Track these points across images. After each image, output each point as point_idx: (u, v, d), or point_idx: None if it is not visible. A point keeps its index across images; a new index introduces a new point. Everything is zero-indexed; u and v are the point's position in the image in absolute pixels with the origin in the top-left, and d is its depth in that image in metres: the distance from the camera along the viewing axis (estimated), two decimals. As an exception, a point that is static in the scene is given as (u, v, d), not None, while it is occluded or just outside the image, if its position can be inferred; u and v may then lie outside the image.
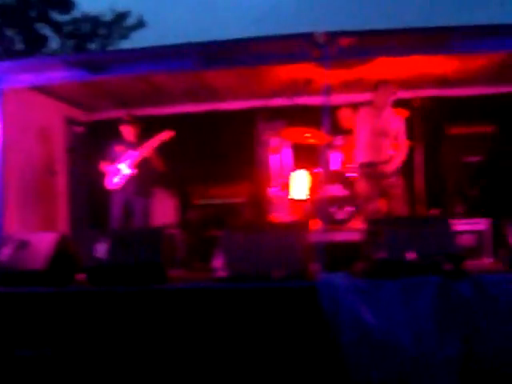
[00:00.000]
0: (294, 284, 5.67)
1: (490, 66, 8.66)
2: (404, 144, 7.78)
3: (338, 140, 8.63)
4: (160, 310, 5.69)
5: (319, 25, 7.21)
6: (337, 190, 8.24)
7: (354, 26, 7.14)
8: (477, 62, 8.42)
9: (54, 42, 25.42)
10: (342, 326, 5.26)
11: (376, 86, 7.76)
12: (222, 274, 5.94)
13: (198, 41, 7.16)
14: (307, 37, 6.59)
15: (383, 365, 5.15)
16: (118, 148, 8.54)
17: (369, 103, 7.91)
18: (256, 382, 5.38)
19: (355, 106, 8.60)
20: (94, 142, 9.93)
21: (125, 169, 8.35)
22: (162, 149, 8.44)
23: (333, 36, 6.54)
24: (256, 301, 5.57)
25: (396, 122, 7.81)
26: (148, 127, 8.66)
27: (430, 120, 8.73)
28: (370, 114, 7.76)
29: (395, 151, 7.80)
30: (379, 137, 7.71)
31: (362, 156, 7.83)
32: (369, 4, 63.46)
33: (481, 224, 7.97)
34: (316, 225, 8.07)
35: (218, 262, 6.00)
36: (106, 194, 8.62)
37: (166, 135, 8.24)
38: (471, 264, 6.38)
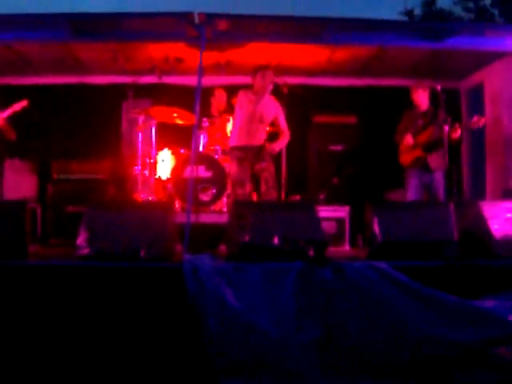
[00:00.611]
0: (158, 264, 5.62)
1: (356, 59, 8.92)
2: (286, 130, 7.85)
3: (204, 122, 8.61)
4: (20, 287, 5.50)
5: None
6: (201, 172, 8.22)
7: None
8: (345, 54, 8.64)
9: None
10: (207, 308, 5.25)
11: (255, 71, 7.72)
12: (85, 251, 5.81)
13: (69, 11, 6.98)
14: (184, 16, 6.56)
15: (245, 348, 5.20)
16: None
17: (247, 87, 7.91)
18: (118, 367, 5.30)
19: (230, 89, 8.65)
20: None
21: None
22: (23, 120, 8.11)
23: (210, 17, 6.55)
24: (120, 280, 5.47)
25: (274, 108, 7.85)
26: (10, 97, 8.31)
27: (297, 107, 8.85)
28: (248, 99, 7.75)
29: (279, 137, 7.86)
30: (256, 122, 7.73)
31: (236, 139, 7.83)
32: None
33: (341, 211, 8.21)
34: (179, 205, 8.09)
35: (81, 240, 5.86)
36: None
37: (19, 105, 7.89)
38: (332, 250, 6.56)
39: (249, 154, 7.72)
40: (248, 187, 7.78)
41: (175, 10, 6.95)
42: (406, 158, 8.05)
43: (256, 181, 7.87)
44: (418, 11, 26.30)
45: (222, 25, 6.85)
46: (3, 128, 7.88)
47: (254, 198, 8.04)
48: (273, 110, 7.80)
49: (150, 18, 7.03)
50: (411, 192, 7.97)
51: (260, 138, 7.77)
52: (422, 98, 8.05)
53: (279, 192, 8.34)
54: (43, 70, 9.44)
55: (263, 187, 7.77)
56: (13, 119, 7.96)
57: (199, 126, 8.22)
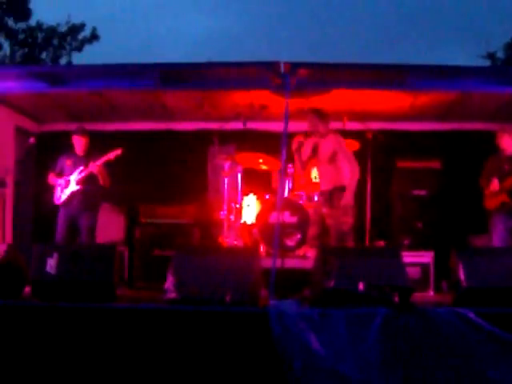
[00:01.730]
0: (244, 309, 5.70)
1: (439, 104, 8.91)
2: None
3: (290, 167, 8.72)
4: (109, 329, 5.64)
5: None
6: (286, 217, 8.30)
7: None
8: (427, 99, 8.65)
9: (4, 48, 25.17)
10: (292, 352, 5.29)
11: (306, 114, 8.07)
12: (172, 295, 5.94)
13: (158, 61, 7.23)
14: (270, 65, 6.71)
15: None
16: (67, 161, 8.48)
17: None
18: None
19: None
20: (43, 154, 9.86)
21: (72, 184, 8.28)
22: (114, 165, 8.40)
23: (294, 66, 6.67)
24: (206, 324, 5.57)
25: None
26: (100, 143, 8.62)
27: (380, 152, 8.88)
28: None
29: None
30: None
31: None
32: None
33: (425, 257, 8.14)
34: (265, 250, 8.17)
35: (169, 284, 5.99)
36: (53, 208, 8.53)
37: (113, 153, 8.19)
38: (416, 296, 6.52)
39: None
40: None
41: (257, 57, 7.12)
42: (491, 203, 7.95)
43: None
44: (500, 54, 26.03)
45: (307, 73, 6.95)
46: (99, 174, 8.20)
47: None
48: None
49: (236, 67, 7.21)
50: (497, 237, 7.85)
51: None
52: (507, 143, 7.96)
53: (361, 237, 8.43)
54: (131, 117, 9.76)
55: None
56: (106, 166, 8.29)
57: (285, 172, 8.33)
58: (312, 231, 8.02)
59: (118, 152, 8.21)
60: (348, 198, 7.84)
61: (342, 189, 7.85)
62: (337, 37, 63.05)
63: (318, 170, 8.28)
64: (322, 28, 65.94)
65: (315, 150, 8.16)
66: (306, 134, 8.21)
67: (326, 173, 8.06)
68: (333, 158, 7.92)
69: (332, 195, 7.87)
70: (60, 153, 8.70)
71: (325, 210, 7.96)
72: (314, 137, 8.16)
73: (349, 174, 7.89)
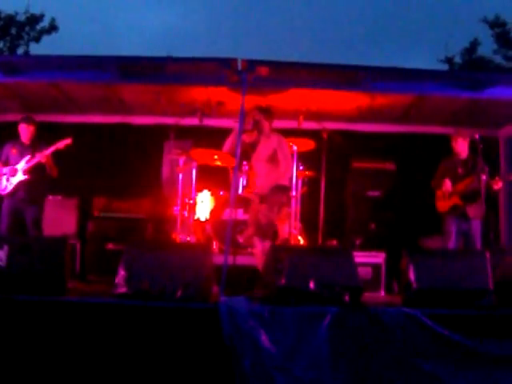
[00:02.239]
0: (195, 305, 5.69)
1: (395, 107, 8.99)
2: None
3: (244, 165, 8.71)
4: (58, 322, 5.59)
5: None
6: (239, 214, 8.29)
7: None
8: (384, 101, 8.71)
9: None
10: (242, 350, 5.31)
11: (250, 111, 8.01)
12: (123, 290, 5.90)
13: (116, 54, 7.20)
14: (228, 62, 6.71)
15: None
16: (13, 150, 8.29)
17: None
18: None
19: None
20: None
21: (19, 174, 8.13)
22: (68, 157, 8.29)
23: (252, 64, 6.68)
24: (156, 320, 5.56)
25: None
26: (54, 134, 8.49)
27: (336, 153, 8.94)
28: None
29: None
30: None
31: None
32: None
33: (377, 257, 8.21)
34: (217, 247, 8.16)
35: (120, 278, 5.95)
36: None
37: (63, 143, 8.05)
38: (367, 296, 6.58)
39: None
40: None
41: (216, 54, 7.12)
42: (443, 205, 8.05)
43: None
44: (458, 59, 26.32)
45: (264, 71, 6.97)
46: (47, 164, 8.06)
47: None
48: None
49: (194, 62, 7.20)
50: (449, 239, 7.95)
51: None
52: (462, 147, 8.06)
53: (313, 236, 8.48)
54: (87, 109, 9.65)
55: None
56: (56, 156, 8.16)
57: (239, 169, 8.31)
58: (249, 231, 7.94)
59: (68, 141, 8.07)
60: (284, 197, 7.86)
61: (279, 188, 7.83)
62: (298, 35, 63.20)
63: (255, 167, 8.21)
64: (284, 27, 66.06)
65: (253, 147, 8.13)
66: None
67: (264, 171, 8.03)
68: (273, 158, 7.90)
69: (269, 194, 7.84)
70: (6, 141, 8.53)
71: (260, 209, 7.89)
72: (255, 134, 8.13)
73: (287, 173, 7.92)
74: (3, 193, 8.18)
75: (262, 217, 7.74)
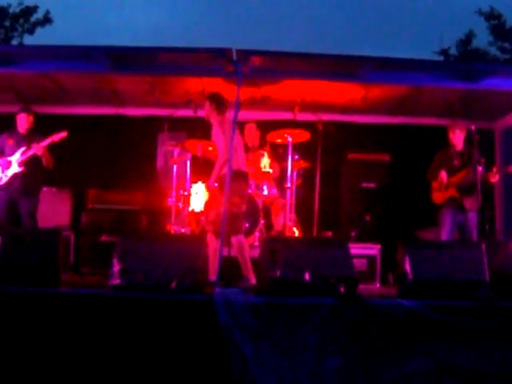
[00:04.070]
0: (189, 296, 5.66)
1: (390, 98, 8.96)
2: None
3: (239, 155, 8.68)
4: (52, 314, 5.55)
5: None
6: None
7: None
8: (379, 92, 8.69)
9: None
10: (240, 338, 5.28)
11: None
12: (117, 281, 5.87)
13: (109, 44, 7.15)
14: (222, 52, 6.67)
15: (272, 381, 5.22)
16: (9, 140, 8.24)
17: None
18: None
19: (264, 124, 8.75)
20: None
21: (14, 165, 8.10)
22: (62, 149, 8.24)
23: (247, 54, 6.63)
24: (150, 311, 5.52)
25: None
26: (48, 126, 8.44)
27: (331, 144, 8.90)
28: None
29: None
30: None
31: None
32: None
33: (372, 249, 8.21)
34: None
35: (114, 270, 5.91)
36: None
37: (58, 136, 8.01)
38: (362, 288, 6.56)
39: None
40: None
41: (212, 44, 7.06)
42: (440, 197, 8.03)
43: None
44: (453, 50, 26.32)
45: (259, 61, 6.94)
46: (43, 157, 8.02)
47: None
48: None
49: (188, 52, 7.15)
50: (445, 231, 7.93)
51: None
52: (458, 138, 8.03)
53: (309, 228, 8.45)
54: (81, 100, 9.60)
55: None
56: (50, 148, 8.11)
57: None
58: (211, 216, 7.71)
59: (64, 134, 8.03)
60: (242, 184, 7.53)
61: (237, 173, 7.55)
62: (289, 30, 63.05)
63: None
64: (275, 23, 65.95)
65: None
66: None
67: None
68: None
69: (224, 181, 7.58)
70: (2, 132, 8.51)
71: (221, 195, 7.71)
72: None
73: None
74: None
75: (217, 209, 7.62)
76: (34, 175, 8.17)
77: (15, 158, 8.05)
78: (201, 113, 8.89)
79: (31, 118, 8.27)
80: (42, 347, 5.45)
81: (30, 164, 8.10)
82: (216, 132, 7.36)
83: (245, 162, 7.61)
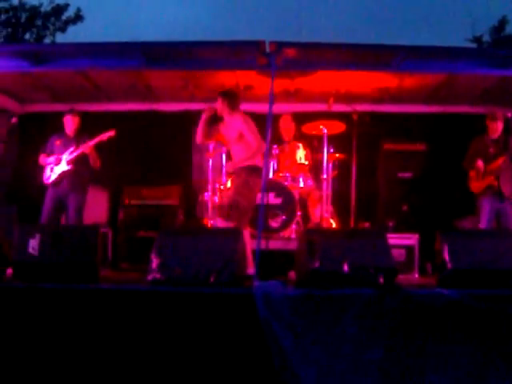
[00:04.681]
0: (229, 290, 5.66)
1: (425, 86, 8.89)
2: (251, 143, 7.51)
3: (274, 149, 8.68)
4: (92, 311, 5.59)
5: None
6: (271, 198, 8.27)
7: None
8: (414, 81, 8.62)
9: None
10: (280, 331, 5.28)
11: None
12: (156, 276, 5.89)
13: (143, 40, 7.20)
14: (256, 45, 6.65)
15: (313, 374, 5.21)
16: (57, 141, 8.40)
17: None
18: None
19: (299, 116, 8.73)
20: (26, 135, 9.79)
21: (63, 164, 8.22)
22: (99, 146, 8.33)
23: (280, 46, 6.61)
24: (190, 306, 5.53)
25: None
26: (83, 124, 8.53)
27: (366, 134, 8.86)
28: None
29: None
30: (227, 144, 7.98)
31: None
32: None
33: (410, 239, 8.16)
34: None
35: (153, 265, 5.94)
36: (38, 189, 8.45)
37: (106, 135, 8.14)
38: (401, 278, 6.53)
39: None
40: None
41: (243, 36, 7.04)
42: (478, 186, 7.96)
43: None
44: (486, 37, 26.03)
45: (292, 53, 6.90)
46: (90, 156, 8.14)
47: None
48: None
49: (221, 46, 7.14)
50: (483, 219, 7.87)
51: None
52: (498, 126, 7.96)
53: (346, 219, 8.44)
54: (116, 98, 9.68)
55: None
56: (97, 148, 8.28)
57: (269, 153, 8.26)
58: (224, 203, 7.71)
59: (112, 133, 8.18)
60: (250, 178, 7.46)
61: (246, 168, 7.42)
62: (317, 21, 62.69)
63: (230, 150, 7.87)
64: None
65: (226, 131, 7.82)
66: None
67: (233, 153, 7.69)
68: (240, 139, 7.50)
69: (236, 175, 7.60)
70: (44, 134, 8.66)
71: (232, 188, 7.71)
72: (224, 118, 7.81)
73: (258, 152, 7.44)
74: (47, 182, 8.31)
75: (225, 198, 7.67)
76: (81, 173, 8.36)
77: (64, 157, 8.20)
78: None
79: (77, 119, 8.43)
80: (84, 344, 5.50)
81: (78, 163, 8.28)
82: (242, 128, 7.43)
83: (261, 158, 7.62)
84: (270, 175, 8.57)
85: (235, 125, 7.52)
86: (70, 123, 8.41)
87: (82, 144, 8.22)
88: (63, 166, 8.22)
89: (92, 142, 8.19)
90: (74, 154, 8.23)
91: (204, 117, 7.57)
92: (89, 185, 8.56)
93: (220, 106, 7.56)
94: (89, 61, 7.32)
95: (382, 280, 5.75)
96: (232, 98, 7.59)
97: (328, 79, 8.46)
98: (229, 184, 8.41)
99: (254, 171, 7.33)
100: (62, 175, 8.23)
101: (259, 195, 7.04)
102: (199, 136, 7.80)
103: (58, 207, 8.25)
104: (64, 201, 8.25)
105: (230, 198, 7.42)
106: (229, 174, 8.26)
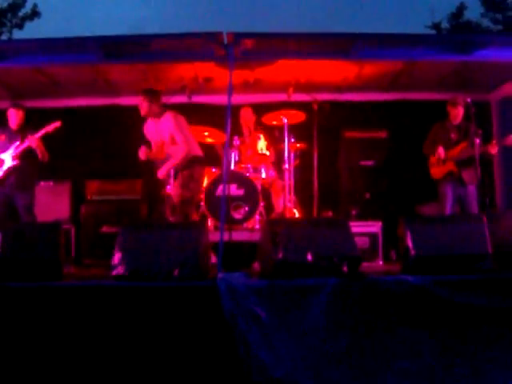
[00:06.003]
0: (192, 283, 5.64)
1: (384, 74, 8.94)
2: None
3: (235, 140, 8.66)
4: (55, 308, 5.54)
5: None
6: (233, 190, 8.25)
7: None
8: (373, 69, 8.65)
9: None
10: (245, 325, 5.27)
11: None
12: (119, 271, 5.85)
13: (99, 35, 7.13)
14: (213, 36, 6.62)
15: (280, 365, 5.21)
16: (1, 136, 8.16)
17: None
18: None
19: (259, 107, 8.73)
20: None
21: (8, 160, 8.05)
22: (58, 141, 8.18)
23: (238, 37, 6.59)
24: (154, 300, 5.51)
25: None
26: (43, 120, 8.38)
27: (327, 123, 8.86)
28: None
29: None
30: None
31: None
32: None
33: (374, 226, 8.20)
34: (212, 224, 8.12)
35: (116, 260, 5.90)
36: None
37: (52, 126, 7.95)
38: (365, 266, 6.55)
39: None
40: None
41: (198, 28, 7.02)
42: (438, 172, 8.02)
43: None
44: (445, 24, 26.24)
45: (250, 44, 6.89)
46: (37, 149, 7.96)
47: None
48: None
49: (179, 38, 7.10)
50: (446, 205, 7.94)
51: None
52: (458, 113, 8.02)
53: (308, 208, 8.46)
54: (75, 93, 9.58)
55: None
56: (46, 141, 8.06)
57: (230, 145, 8.25)
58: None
59: (57, 124, 7.94)
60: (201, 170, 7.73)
61: (195, 159, 7.60)
62: (277, 10, 62.75)
63: (166, 150, 7.80)
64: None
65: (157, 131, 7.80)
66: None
67: (170, 152, 7.66)
68: (172, 137, 7.55)
69: (183, 170, 7.60)
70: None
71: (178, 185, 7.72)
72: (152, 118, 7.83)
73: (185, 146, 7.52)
74: None
75: (174, 197, 7.68)
76: (28, 169, 8.09)
77: (10, 153, 8.00)
78: (196, 98, 8.94)
79: (21, 113, 8.18)
80: (48, 342, 5.44)
81: (24, 158, 8.02)
82: (170, 127, 7.48)
83: (198, 146, 7.70)
84: (232, 167, 8.56)
85: (165, 126, 7.55)
86: (14, 117, 8.15)
87: (28, 138, 7.96)
88: (9, 162, 7.98)
89: (38, 135, 7.92)
90: (20, 149, 7.99)
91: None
92: (37, 181, 8.42)
93: (145, 105, 7.60)
94: (46, 57, 7.24)
95: (346, 268, 5.75)
96: (152, 93, 7.62)
97: (287, 69, 8.46)
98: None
99: (195, 162, 7.45)
100: (8, 172, 7.99)
101: (220, 187, 7.05)
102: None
103: (8, 207, 8.03)
104: (12, 200, 8.03)
105: (178, 196, 7.49)
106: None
